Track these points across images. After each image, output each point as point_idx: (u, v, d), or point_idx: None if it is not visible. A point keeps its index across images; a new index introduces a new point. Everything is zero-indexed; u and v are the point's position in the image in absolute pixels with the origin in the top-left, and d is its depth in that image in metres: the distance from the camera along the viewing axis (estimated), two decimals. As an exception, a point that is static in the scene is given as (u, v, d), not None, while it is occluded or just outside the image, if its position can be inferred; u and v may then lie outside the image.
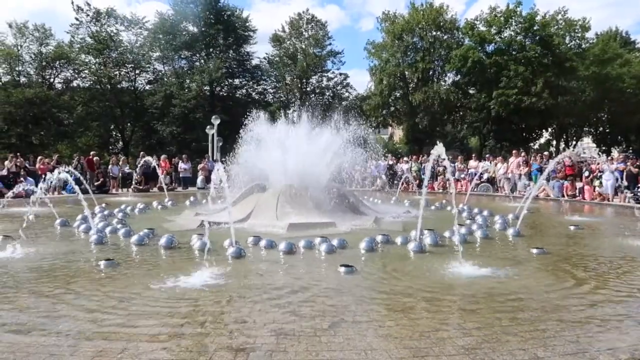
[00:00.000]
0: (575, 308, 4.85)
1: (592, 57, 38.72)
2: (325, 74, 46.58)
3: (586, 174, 18.49)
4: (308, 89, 46.12)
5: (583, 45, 40.64)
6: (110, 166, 22.26)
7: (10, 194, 12.60)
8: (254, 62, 44.91)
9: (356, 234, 9.20)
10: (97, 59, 40.11)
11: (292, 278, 6.05)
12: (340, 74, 46.89)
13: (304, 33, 45.26)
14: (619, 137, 44.90)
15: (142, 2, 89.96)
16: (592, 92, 39.05)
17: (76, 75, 40.67)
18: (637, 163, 17.69)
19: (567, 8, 39.91)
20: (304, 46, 45.19)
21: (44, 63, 38.19)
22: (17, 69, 37.84)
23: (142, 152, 25.70)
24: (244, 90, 44.61)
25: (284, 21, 48.08)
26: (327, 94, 46.63)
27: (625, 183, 16.77)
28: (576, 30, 39.99)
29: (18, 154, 20.90)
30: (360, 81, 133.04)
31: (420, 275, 6.32)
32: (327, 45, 45.57)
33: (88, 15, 38.98)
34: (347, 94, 47.48)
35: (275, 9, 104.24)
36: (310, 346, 3.79)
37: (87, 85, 41.41)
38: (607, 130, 45.28)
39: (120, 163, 23.17)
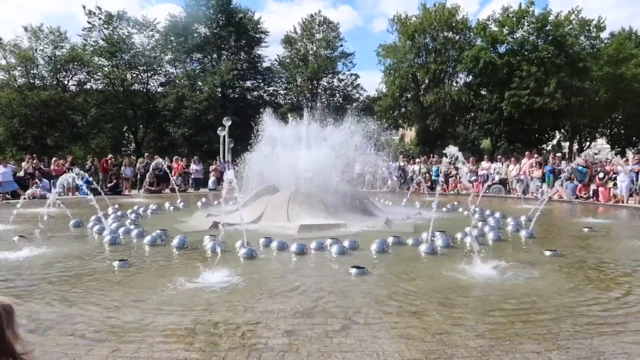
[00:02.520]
0: (589, 311, 4.81)
1: (607, 57, 38.16)
2: (336, 75, 46.58)
3: (600, 175, 18.25)
4: (319, 90, 46.14)
5: (597, 46, 40.10)
6: (123, 167, 22.47)
7: (25, 195, 12.76)
8: (265, 64, 45.12)
9: (367, 235, 9.19)
10: (109, 62, 40.51)
11: (304, 279, 6.06)
12: (352, 75, 46.86)
13: (315, 35, 45.31)
14: (634, 138, 44.19)
15: (155, 4, 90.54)
16: (606, 93, 38.47)
17: (89, 78, 41.08)
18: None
19: (580, 8, 39.32)
20: (315, 48, 45.22)
21: (58, 66, 38.64)
22: (32, 71, 38.33)
23: (146, 154, 25.76)
24: (255, 92, 44.78)
25: (296, 22, 48.04)
26: (338, 95, 46.61)
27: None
28: (590, 30, 39.49)
29: (34, 155, 21.19)
30: (372, 82, 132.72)
31: (432, 277, 6.30)
32: (338, 47, 45.59)
33: (100, 18, 39.42)
34: (357, 95, 47.44)
35: (287, 9, 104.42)
36: (322, 347, 3.80)
37: (100, 87, 41.83)
38: (622, 131, 44.64)
39: (138, 164, 23.32)
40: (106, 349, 3.74)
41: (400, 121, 45.73)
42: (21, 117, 35.33)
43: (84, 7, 38.83)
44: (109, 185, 20.64)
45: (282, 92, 47.09)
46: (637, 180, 16.87)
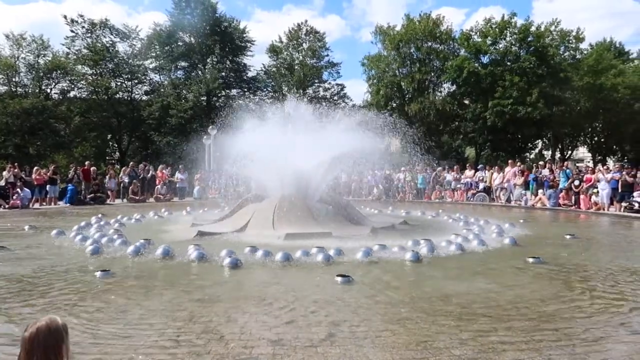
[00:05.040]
0: (571, 318, 4.87)
1: (587, 68, 38.94)
2: (322, 85, 46.80)
3: (576, 182, 18.54)
4: (305, 99, 46.25)
5: (577, 56, 40.95)
6: (107, 179, 22.08)
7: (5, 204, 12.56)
8: (252, 73, 45.16)
9: (353, 243, 9.18)
10: (93, 70, 40.18)
11: (289, 288, 6.04)
12: (337, 85, 47.14)
13: (302, 44, 45.48)
14: (614, 147, 45.05)
15: (142, 12, 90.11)
16: (587, 102, 39.21)
17: (73, 86, 40.67)
18: (633, 172, 17.74)
19: (560, 19, 40.17)
20: (301, 57, 45.40)
21: (40, 74, 38.22)
22: (13, 79, 37.84)
23: (131, 163, 25.53)
24: (240, 101, 44.71)
25: (282, 32, 48.18)
26: (324, 104, 46.76)
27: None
28: (570, 41, 40.33)
29: (15, 164, 20.84)
30: (360, 92, 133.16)
31: (416, 284, 6.33)
32: (324, 57, 45.84)
33: (84, 27, 39.17)
34: (343, 104, 47.65)
35: (275, 19, 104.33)
36: (307, 356, 3.79)
37: (84, 95, 41.42)
38: (602, 140, 45.47)
39: (122, 173, 23.03)
40: (87, 361, 3.68)
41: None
42: (2, 125, 34.79)
43: (65, 16, 38.62)
44: (89, 195, 20.33)
45: (268, 101, 47.12)
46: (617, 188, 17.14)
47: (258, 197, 12.69)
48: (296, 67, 44.80)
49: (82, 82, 40.07)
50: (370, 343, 4.11)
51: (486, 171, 23.00)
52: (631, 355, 3.86)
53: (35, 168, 20.60)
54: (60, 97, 40.27)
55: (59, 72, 38.65)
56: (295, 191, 11.79)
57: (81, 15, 38.83)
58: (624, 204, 16.59)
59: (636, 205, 16.17)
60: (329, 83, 46.85)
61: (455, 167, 24.85)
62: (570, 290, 5.98)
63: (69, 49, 39.55)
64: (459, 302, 5.36)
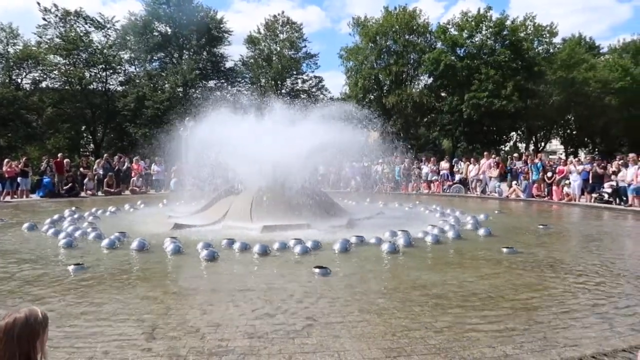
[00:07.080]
0: (542, 306, 4.99)
1: (560, 62, 39.71)
2: (300, 76, 46.61)
3: (549, 174, 18.95)
4: (283, 91, 46.05)
5: (551, 50, 41.72)
6: (86, 180, 21.46)
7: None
8: (229, 64, 44.70)
9: (330, 235, 9.22)
10: (66, 60, 39.14)
11: (266, 280, 6.03)
12: (315, 77, 47.02)
13: (279, 35, 45.17)
14: (586, 139, 46.12)
15: (118, 1, 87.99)
16: (560, 96, 40.04)
17: (45, 76, 39.55)
18: (603, 164, 18.23)
19: (535, 13, 40.83)
20: (279, 48, 45.10)
21: (10, 63, 37.06)
22: (-18, 69, 36.70)
23: (105, 155, 25.13)
24: (218, 92, 44.21)
25: (260, 23, 47.74)
26: (302, 96, 46.59)
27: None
28: (544, 35, 41.03)
29: (-16, 156, 20.24)
30: (339, 84, 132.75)
31: (393, 275, 6.39)
32: (302, 48, 45.62)
33: (57, 16, 38.12)
34: (322, 96, 47.55)
35: (254, 9, 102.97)
36: (283, 348, 3.80)
37: (56, 86, 40.31)
38: (574, 133, 46.48)
39: (96, 165, 22.58)
40: (59, 356, 3.61)
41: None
42: (-30, 116, 33.71)
43: (38, 3, 37.49)
44: (65, 187, 19.92)
45: (245, 92, 46.70)
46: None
47: (235, 189, 12.62)
48: (274, 59, 44.49)
49: (54, 72, 38.97)
50: (347, 333, 4.14)
51: (462, 163, 23.32)
52: (600, 342, 3.98)
53: (6, 160, 20.01)
54: (32, 88, 39.11)
55: (30, 61, 37.52)
56: (273, 183, 11.74)
57: (55, 5, 37.80)
58: (594, 195, 17.02)
59: (606, 196, 16.61)
60: (307, 75, 46.69)
61: (432, 159, 25.10)
62: (542, 279, 6.12)
63: (40, 37, 38.47)
64: (434, 292, 5.44)
